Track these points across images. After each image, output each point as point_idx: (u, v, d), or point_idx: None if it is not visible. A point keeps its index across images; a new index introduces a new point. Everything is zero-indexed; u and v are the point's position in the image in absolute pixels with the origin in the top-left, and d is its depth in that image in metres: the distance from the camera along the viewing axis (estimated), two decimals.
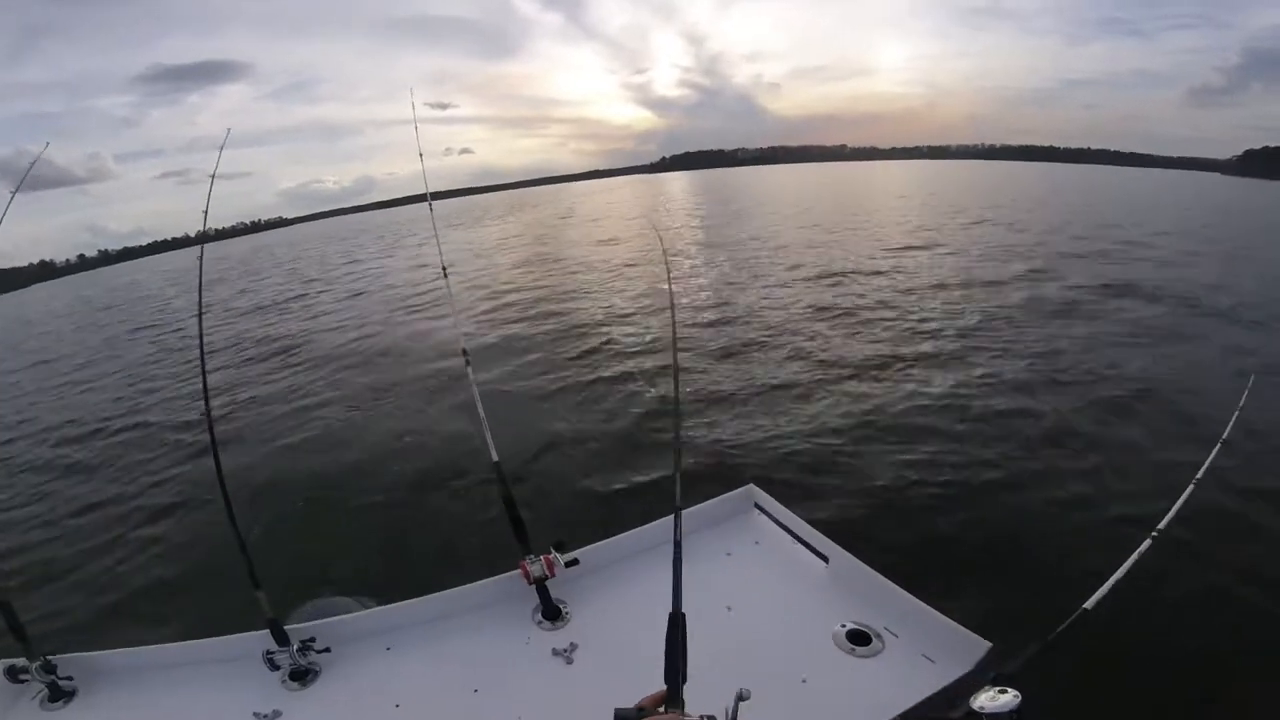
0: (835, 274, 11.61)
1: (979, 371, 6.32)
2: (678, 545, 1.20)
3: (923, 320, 8.33)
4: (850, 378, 6.30)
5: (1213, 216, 23.21)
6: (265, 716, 1.51)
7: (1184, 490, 1.73)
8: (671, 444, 4.57)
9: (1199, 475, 1.82)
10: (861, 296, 9.67)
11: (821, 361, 6.88)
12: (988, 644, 1.36)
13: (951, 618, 1.44)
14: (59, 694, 1.61)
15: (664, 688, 0.98)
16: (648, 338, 8.40)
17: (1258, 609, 2.95)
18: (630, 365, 7.33)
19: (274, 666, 1.61)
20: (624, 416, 5.85)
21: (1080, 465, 4.45)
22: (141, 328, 16.64)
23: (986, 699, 0.97)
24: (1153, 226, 17.82)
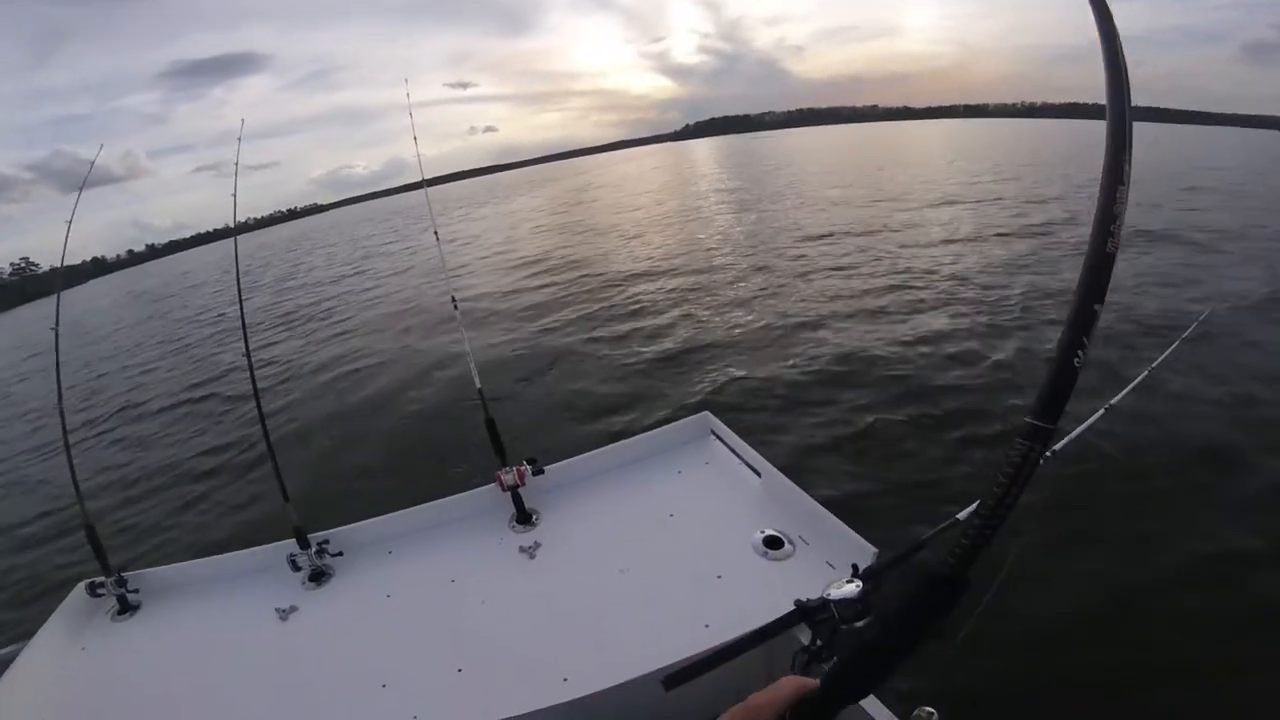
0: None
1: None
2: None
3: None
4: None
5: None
6: (284, 611, 1.83)
7: (1089, 417, 1.76)
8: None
9: (1112, 401, 1.87)
10: None
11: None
12: (874, 549, 1.51)
13: (854, 527, 1.60)
14: (126, 607, 1.95)
15: (796, 678, 0.70)
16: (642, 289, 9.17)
17: (1130, 547, 3.01)
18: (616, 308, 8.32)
19: (296, 568, 1.93)
20: (595, 354, 6.65)
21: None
22: (199, 310, 17.80)
23: (835, 588, 1.06)
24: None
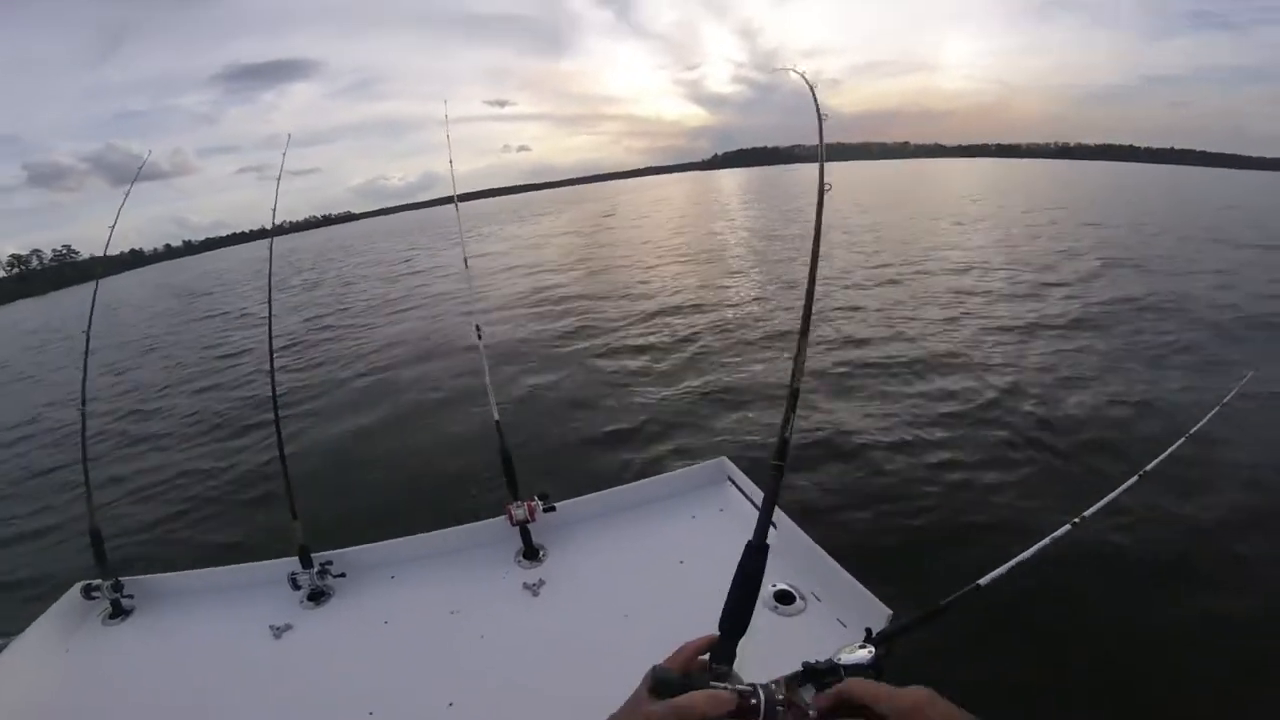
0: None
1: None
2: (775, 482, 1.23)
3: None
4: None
5: None
6: (279, 629, 1.80)
7: (1122, 483, 1.67)
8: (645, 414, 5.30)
9: (1147, 468, 1.78)
10: None
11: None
12: (889, 611, 1.45)
13: (870, 587, 1.54)
14: (119, 611, 1.93)
15: (708, 634, 0.86)
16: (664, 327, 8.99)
17: (1160, 611, 2.91)
18: (633, 342, 8.13)
19: (296, 586, 1.90)
20: (614, 392, 6.50)
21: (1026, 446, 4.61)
22: (225, 311, 18.18)
23: (847, 652, 1.01)
24: None
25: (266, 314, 2.49)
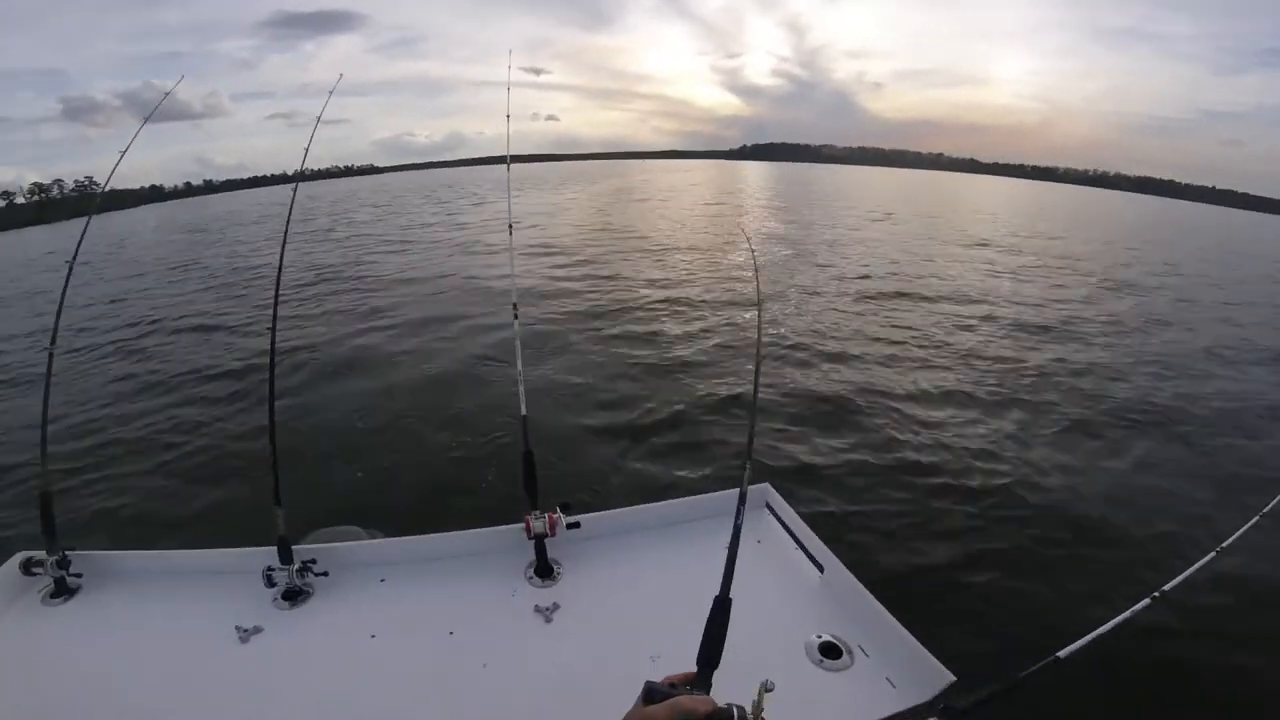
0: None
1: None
2: (737, 529, 1.24)
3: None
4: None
5: None
6: (245, 631, 1.57)
7: (1205, 555, 1.59)
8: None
9: (1228, 542, 1.67)
10: None
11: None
12: (952, 677, 1.34)
13: (928, 645, 1.42)
14: (63, 589, 1.69)
15: (690, 669, 0.98)
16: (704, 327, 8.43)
17: (1250, 694, 2.75)
18: (682, 352, 7.38)
19: (270, 583, 1.66)
20: (657, 397, 5.90)
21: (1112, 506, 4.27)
22: (235, 254, 17.91)
23: None
24: None
25: (277, 260, 2.19)
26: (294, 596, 1.69)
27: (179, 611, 1.66)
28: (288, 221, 2.32)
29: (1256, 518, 1.80)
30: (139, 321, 9.44)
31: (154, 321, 9.37)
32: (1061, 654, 1.25)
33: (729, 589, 1.10)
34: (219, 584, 1.73)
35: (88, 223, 2.31)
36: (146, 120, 2.62)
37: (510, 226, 2.31)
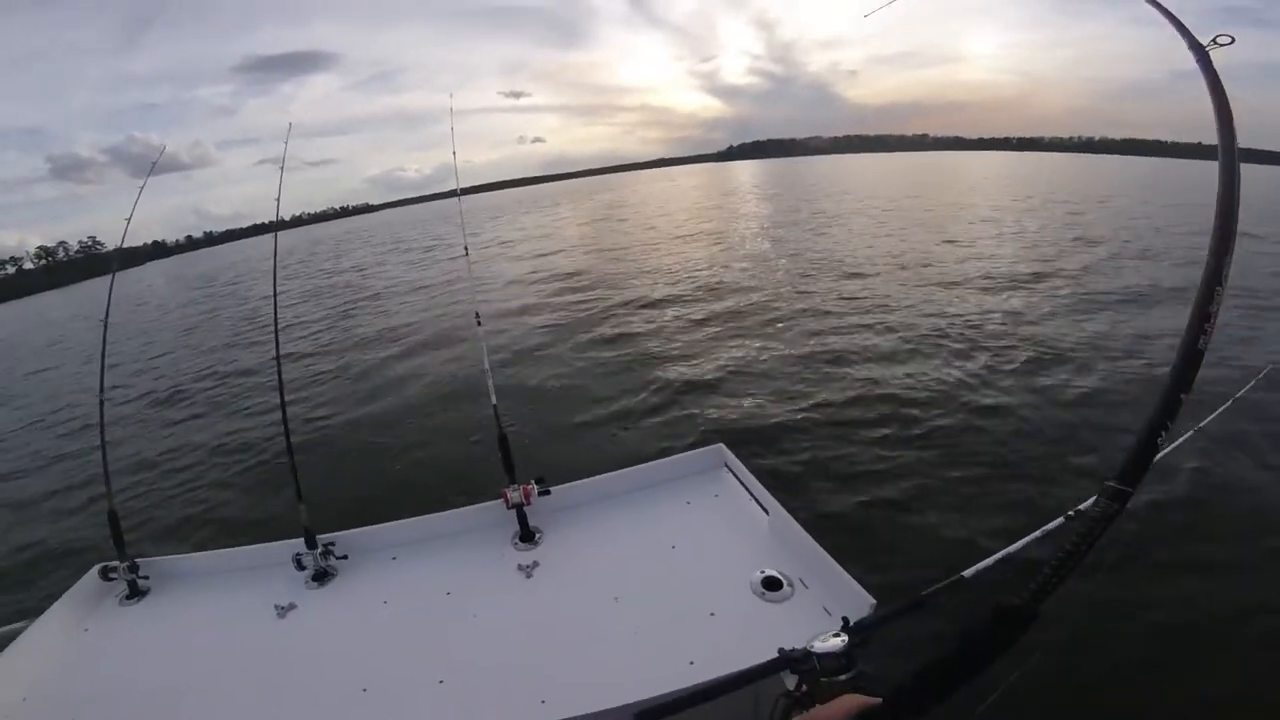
0: None
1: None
2: None
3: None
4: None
5: None
6: (283, 608, 1.86)
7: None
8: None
9: (1154, 458, 1.73)
10: None
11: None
12: (872, 600, 1.45)
13: (856, 576, 1.54)
14: (135, 592, 2.01)
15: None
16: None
17: (1155, 621, 2.82)
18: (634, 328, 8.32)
19: (300, 567, 1.97)
20: (614, 378, 6.62)
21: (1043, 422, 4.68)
22: (242, 300, 18.52)
23: (820, 640, 1.03)
24: None
25: (272, 305, 2.55)
26: (322, 577, 1.98)
27: (228, 600, 1.96)
28: (274, 266, 2.65)
29: (1188, 434, 1.86)
30: (171, 373, 10.41)
31: (180, 373, 10.27)
32: (966, 573, 1.31)
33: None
34: (259, 573, 2.04)
35: (112, 281, 2.64)
36: (145, 183, 2.87)
37: (466, 248, 2.64)
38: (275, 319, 2.50)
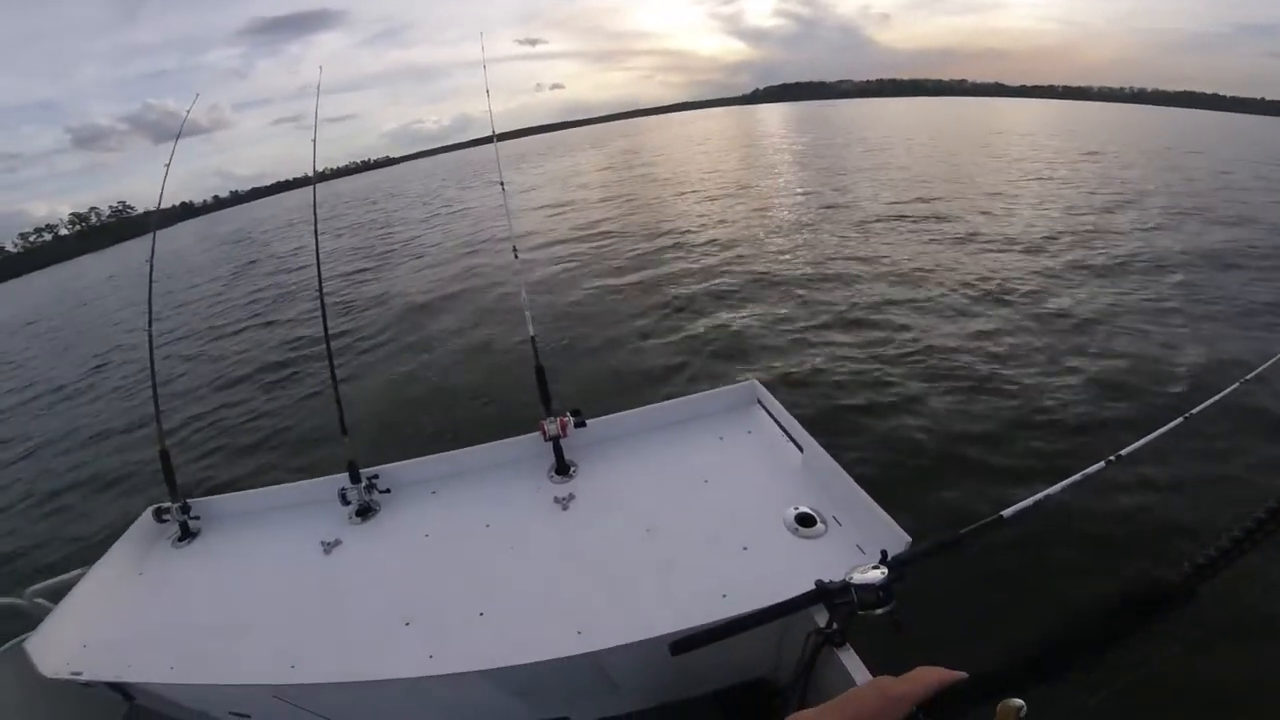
0: None
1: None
2: None
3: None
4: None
5: None
6: (328, 544, 1.93)
7: (1168, 422, 1.53)
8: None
9: (1194, 410, 1.60)
10: None
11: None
12: (908, 538, 1.42)
13: (893, 513, 1.51)
14: (186, 533, 2.10)
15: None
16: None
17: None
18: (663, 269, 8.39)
19: (345, 502, 2.03)
20: (647, 313, 6.72)
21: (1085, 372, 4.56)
22: (277, 253, 18.88)
23: (858, 573, 1.02)
24: None
25: (315, 251, 2.60)
26: (365, 512, 2.05)
27: (276, 537, 2.03)
28: (315, 217, 2.63)
29: (1234, 386, 1.76)
30: (214, 316, 10.91)
31: (223, 317, 10.70)
32: (1006, 513, 1.27)
33: None
34: (306, 510, 2.11)
35: (154, 238, 2.69)
36: (175, 146, 2.94)
37: (502, 185, 2.62)
38: (318, 259, 2.55)
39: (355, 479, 2.06)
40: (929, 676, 0.55)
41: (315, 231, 2.46)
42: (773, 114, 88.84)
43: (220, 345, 8.66)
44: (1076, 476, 1.33)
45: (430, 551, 1.86)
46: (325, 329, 2.34)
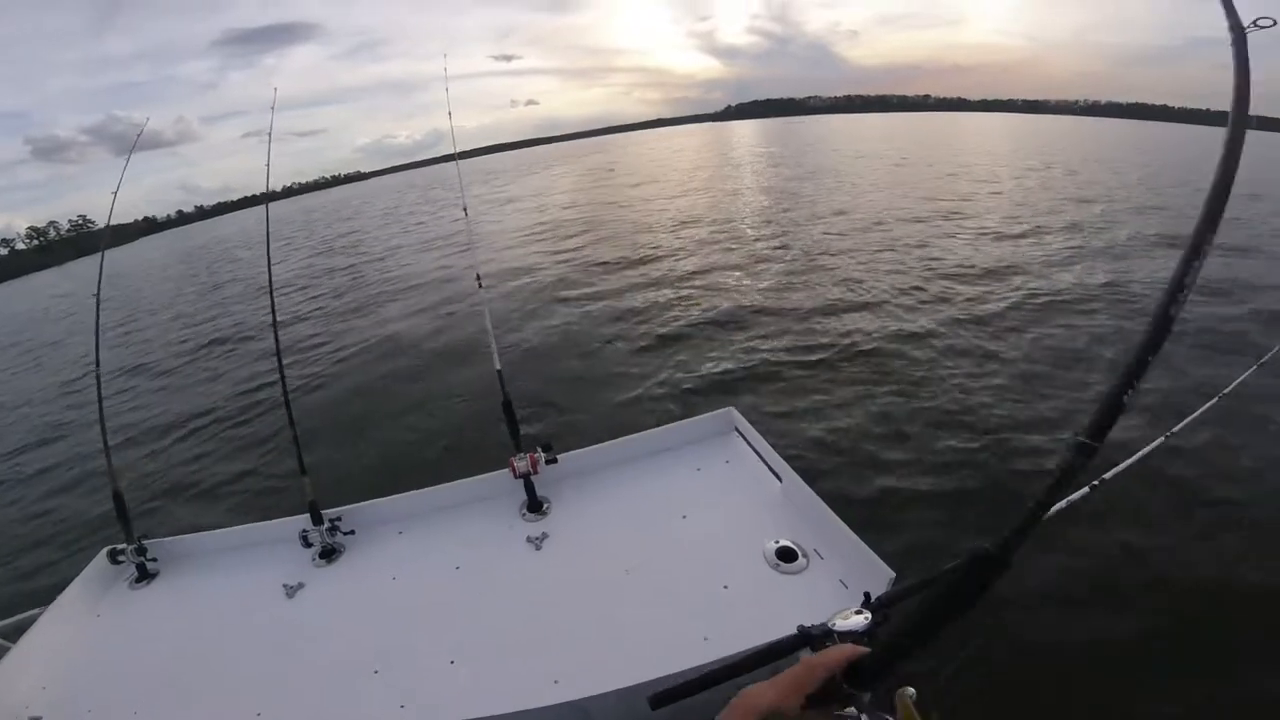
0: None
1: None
2: None
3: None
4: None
5: None
6: (291, 587, 1.87)
7: (1149, 443, 1.51)
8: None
9: (1178, 428, 1.61)
10: None
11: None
12: (892, 573, 1.40)
13: (874, 547, 1.48)
14: (144, 574, 2.02)
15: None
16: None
17: (1179, 592, 2.68)
18: (637, 295, 8.11)
19: (307, 544, 1.95)
20: (617, 340, 6.51)
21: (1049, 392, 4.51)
22: (228, 277, 18.32)
23: (840, 618, 0.98)
24: None
25: (267, 276, 2.50)
26: (329, 554, 1.97)
27: (237, 580, 1.95)
28: (268, 238, 2.60)
29: (1212, 401, 1.78)
30: (173, 342, 10.38)
31: (183, 342, 10.23)
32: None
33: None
34: (266, 551, 2.03)
35: (102, 258, 2.58)
36: (129, 158, 2.84)
37: (465, 209, 2.56)
38: (271, 290, 2.46)
39: (317, 520, 1.98)
40: (843, 653, 0.70)
41: (268, 260, 2.36)
42: (744, 130, 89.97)
43: (172, 379, 8.22)
44: (1061, 504, 1.27)
45: (398, 595, 1.79)
46: (280, 368, 2.25)
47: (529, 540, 1.90)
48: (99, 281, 2.48)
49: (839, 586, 1.54)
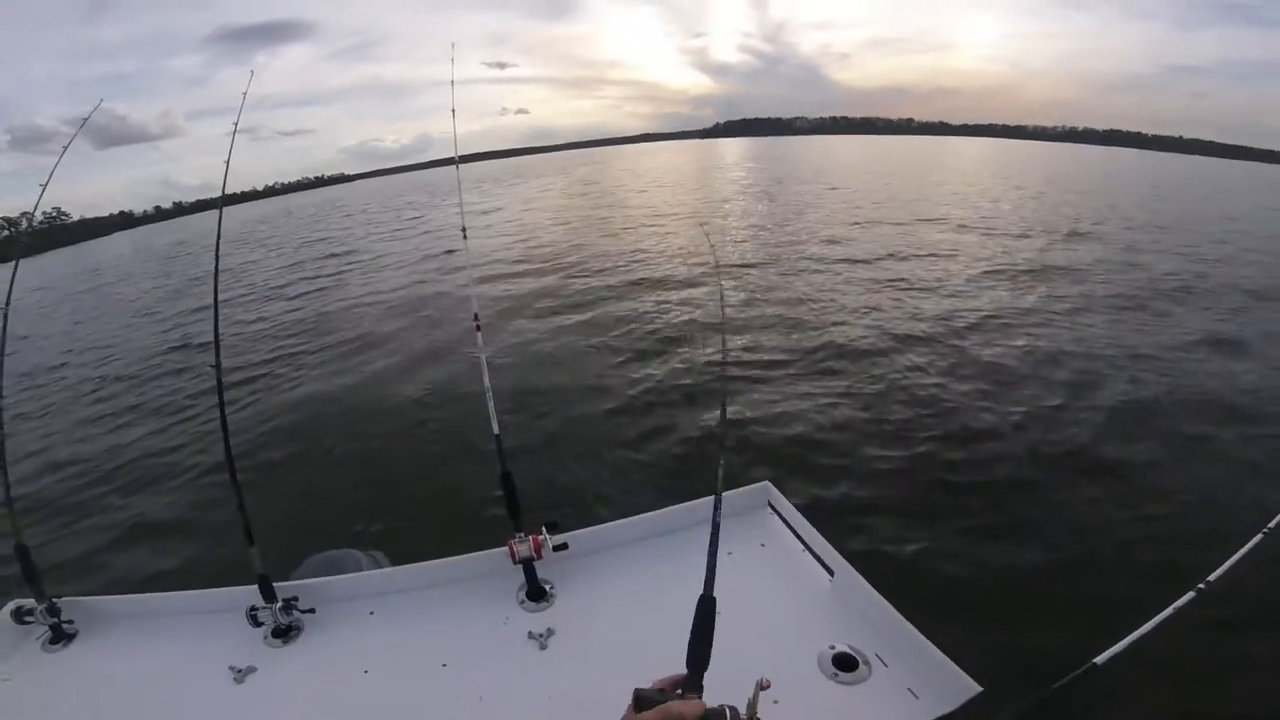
0: None
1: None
2: (715, 528, 1.21)
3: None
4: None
5: None
6: (240, 671, 1.53)
7: (1250, 539, 1.42)
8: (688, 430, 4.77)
9: (1273, 524, 1.48)
10: None
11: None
12: (978, 688, 1.26)
13: (948, 653, 1.33)
14: (60, 636, 1.67)
15: (681, 672, 0.95)
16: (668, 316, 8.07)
17: None
18: (653, 343, 6.98)
19: (256, 623, 1.61)
20: (636, 399, 5.56)
21: (1138, 495, 3.83)
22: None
23: None
24: None
25: (212, 295, 2.03)
26: (284, 634, 1.63)
27: (174, 654, 1.63)
28: (217, 253, 2.04)
29: None
30: (108, 360, 9.22)
31: (117, 360, 9.12)
32: (1099, 660, 1.15)
33: (713, 587, 1.11)
34: (209, 624, 1.69)
35: (16, 266, 2.13)
36: (70, 139, 2.53)
37: (464, 231, 2.14)
38: (215, 308, 1.99)
39: (269, 596, 1.63)
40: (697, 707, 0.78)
41: (215, 281, 1.91)
42: (731, 149, 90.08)
43: (98, 408, 7.06)
44: (1169, 610, 1.25)
45: (371, 693, 1.49)
46: (222, 412, 1.81)
47: (531, 636, 1.59)
48: (9, 293, 2.04)
49: (909, 697, 1.35)
